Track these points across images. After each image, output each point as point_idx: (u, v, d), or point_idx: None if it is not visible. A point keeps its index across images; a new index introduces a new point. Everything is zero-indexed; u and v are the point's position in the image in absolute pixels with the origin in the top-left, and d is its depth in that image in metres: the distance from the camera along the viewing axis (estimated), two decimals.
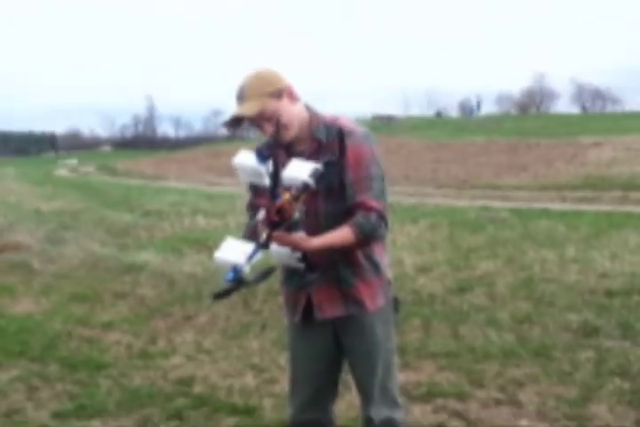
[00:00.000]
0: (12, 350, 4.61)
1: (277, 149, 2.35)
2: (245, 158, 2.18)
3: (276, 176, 2.14)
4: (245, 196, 2.43)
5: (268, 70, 2.30)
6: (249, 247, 2.10)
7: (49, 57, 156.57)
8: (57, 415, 3.58)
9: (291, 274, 2.39)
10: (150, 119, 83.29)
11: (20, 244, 9.28)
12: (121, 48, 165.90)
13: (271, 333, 4.93)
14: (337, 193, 2.28)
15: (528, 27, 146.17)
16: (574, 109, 60.09)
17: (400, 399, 2.51)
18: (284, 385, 3.94)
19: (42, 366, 4.33)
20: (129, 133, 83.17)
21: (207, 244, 8.97)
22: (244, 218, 10.44)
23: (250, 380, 4.05)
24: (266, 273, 2.18)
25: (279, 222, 2.10)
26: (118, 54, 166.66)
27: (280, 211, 2.09)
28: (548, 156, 22.17)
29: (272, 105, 2.23)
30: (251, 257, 2.08)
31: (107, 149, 74.11)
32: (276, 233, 2.11)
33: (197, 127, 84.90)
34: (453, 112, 62.28)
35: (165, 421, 3.48)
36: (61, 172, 36.51)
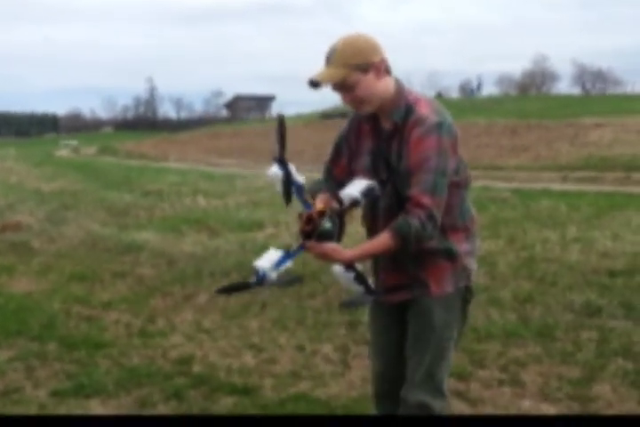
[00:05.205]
0: (10, 330, 4.58)
1: (365, 121, 2.34)
2: (273, 169, 2.18)
3: (287, 182, 2.13)
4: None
5: (366, 40, 2.21)
6: (278, 255, 2.12)
7: (49, 38, 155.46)
8: (55, 394, 3.55)
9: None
10: (151, 101, 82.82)
11: (21, 224, 9.23)
12: (121, 28, 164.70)
13: (271, 312, 4.89)
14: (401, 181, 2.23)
15: (529, 7, 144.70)
16: (575, 91, 59.47)
17: (445, 390, 2.38)
18: (283, 365, 3.92)
19: (40, 345, 4.30)
20: (130, 115, 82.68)
21: (207, 224, 8.97)
22: (243, 198, 10.54)
23: (249, 359, 4.02)
24: (290, 281, 2.20)
25: (311, 232, 2.10)
26: (119, 35, 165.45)
27: (310, 221, 2.10)
28: (549, 137, 22.00)
29: (355, 77, 2.17)
30: (278, 264, 2.10)
31: (108, 130, 73.71)
32: (309, 243, 2.11)
33: (198, 108, 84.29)
34: (454, 93, 61.81)
35: (164, 400, 3.45)
36: (62, 153, 36.36)
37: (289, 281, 2.24)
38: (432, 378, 2.34)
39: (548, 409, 3.28)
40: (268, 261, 2.11)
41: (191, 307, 5.14)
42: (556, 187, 12.78)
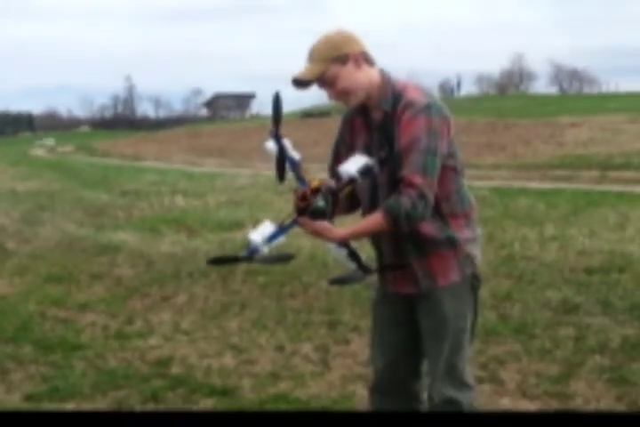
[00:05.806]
0: None
1: (357, 116, 2.35)
2: (269, 144, 2.19)
3: (281, 158, 2.14)
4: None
5: (342, 34, 2.26)
6: (271, 229, 2.13)
7: (25, 35, 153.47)
8: (30, 398, 3.48)
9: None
10: (130, 99, 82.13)
11: None
12: (99, 26, 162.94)
13: (251, 313, 4.87)
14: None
15: (507, 7, 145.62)
16: (552, 90, 60.17)
17: (470, 381, 2.38)
18: (263, 365, 3.90)
19: (15, 347, 4.22)
20: (108, 114, 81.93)
21: (186, 223, 8.90)
22: (223, 198, 10.47)
23: (229, 360, 3.99)
24: (280, 258, 2.21)
25: (305, 209, 2.11)
26: (96, 32, 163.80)
27: (304, 198, 2.11)
28: (527, 135, 22.17)
29: (334, 69, 2.21)
30: (270, 239, 2.12)
31: (85, 129, 72.90)
32: (302, 219, 2.12)
33: (178, 107, 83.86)
34: (434, 92, 62.11)
35: (142, 402, 3.41)
36: (38, 152, 35.88)
37: (277, 258, 2.23)
38: (454, 371, 2.33)
39: (527, 406, 3.30)
40: (260, 235, 2.12)
41: (170, 308, 5.09)
42: (534, 185, 12.88)
